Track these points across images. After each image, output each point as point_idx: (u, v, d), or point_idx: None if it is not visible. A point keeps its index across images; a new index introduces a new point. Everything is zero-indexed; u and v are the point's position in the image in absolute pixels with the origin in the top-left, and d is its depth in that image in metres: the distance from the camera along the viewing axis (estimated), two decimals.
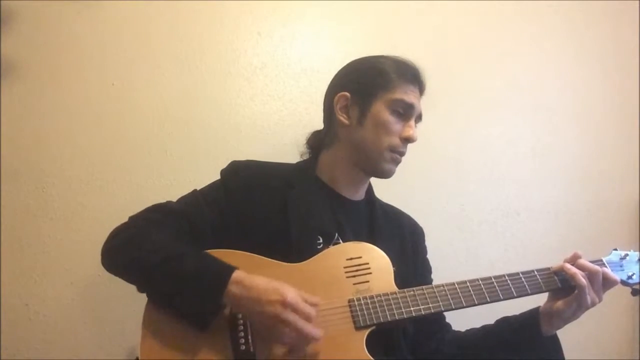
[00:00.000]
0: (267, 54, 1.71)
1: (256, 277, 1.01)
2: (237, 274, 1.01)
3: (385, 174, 1.26)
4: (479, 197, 1.88)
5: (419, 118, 1.27)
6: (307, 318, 0.98)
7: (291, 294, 0.99)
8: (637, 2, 2.11)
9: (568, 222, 1.95)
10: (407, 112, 1.23)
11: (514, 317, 1.23)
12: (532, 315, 1.19)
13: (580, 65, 2.06)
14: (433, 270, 1.39)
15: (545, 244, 1.90)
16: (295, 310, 0.98)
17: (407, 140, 1.23)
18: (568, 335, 1.20)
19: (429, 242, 1.41)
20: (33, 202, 1.46)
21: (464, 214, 1.86)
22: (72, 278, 1.47)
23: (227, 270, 1.02)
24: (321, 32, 1.77)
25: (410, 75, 1.25)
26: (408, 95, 1.22)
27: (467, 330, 1.30)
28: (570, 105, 2.03)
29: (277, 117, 1.69)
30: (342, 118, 1.25)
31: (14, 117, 1.46)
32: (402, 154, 1.25)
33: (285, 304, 0.97)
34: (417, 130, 1.25)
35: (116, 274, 1.13)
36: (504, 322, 1.24)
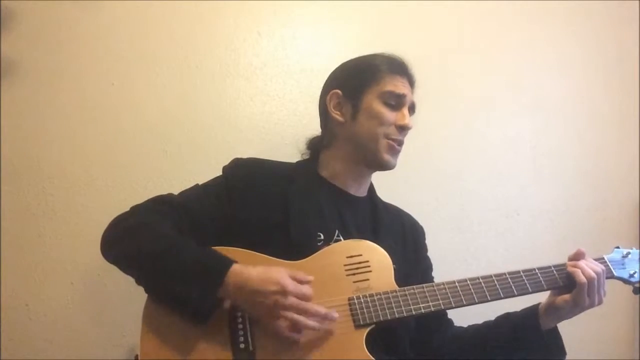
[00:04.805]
0: (267, 54, 1.70)
1: (251, 268, 1.02)
2: (235, 267, 1.02)
3: (385, 164, 1.26)
4: (479, 197, 1.88)
5: (412, 109, 1.28)
6: (306, 298, 1.02)
7: (288, 281, 1.01)
8: (637, 2, 2.11)
9: (568, 222, 1.95)
10: (398, 103, 1.24)
11: (515, 313, 1.23)
12: (531, 311, 1.20)
13: (580, 65, 2.05)
14: (433, 270, 1.38)
15: (545, 244, 1.90)
16: (295, 295, 1.00)
17: (402, 128, 1.24)
18: (568, 335, 1.20)
19: (429, 242, 1.41)
20: (33, 202, 1.46)
21: (464, 214, 1.85)
22: (72, 278, 1.47)
23: (226, 262, 1.03)
24: (321, 32, 1.77)
25: (398, 67, 1.27)
26: (397, 86, 1.24)
27: (468, 327, 1.31)
28: (570, 105, 2.02)
29: (277, 117, 1.69)
30: (336, 115, 1.26)
31: (14, 117, 1.46)
32: (399, 142, 1.25)
33: (285, 292, 0.99)
34: (412, 121, 1.25)
35: (114, 263, 1.13)
36: (505, 318, 1.24)
